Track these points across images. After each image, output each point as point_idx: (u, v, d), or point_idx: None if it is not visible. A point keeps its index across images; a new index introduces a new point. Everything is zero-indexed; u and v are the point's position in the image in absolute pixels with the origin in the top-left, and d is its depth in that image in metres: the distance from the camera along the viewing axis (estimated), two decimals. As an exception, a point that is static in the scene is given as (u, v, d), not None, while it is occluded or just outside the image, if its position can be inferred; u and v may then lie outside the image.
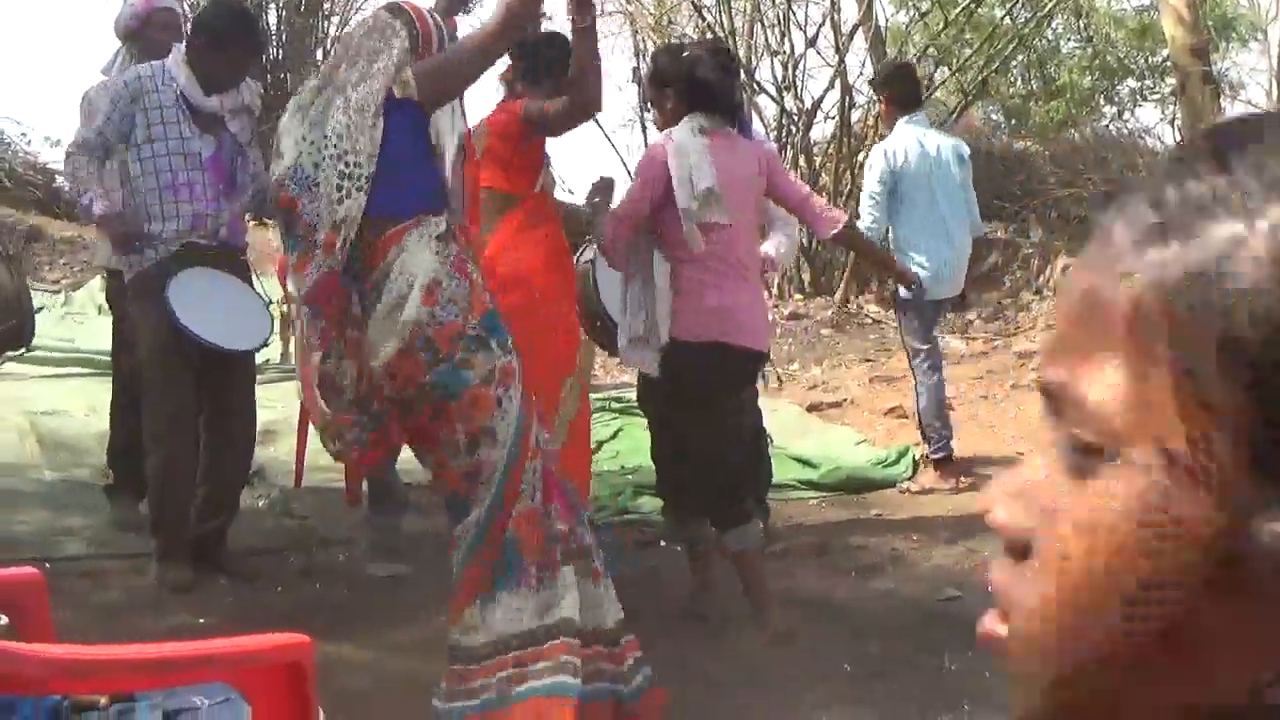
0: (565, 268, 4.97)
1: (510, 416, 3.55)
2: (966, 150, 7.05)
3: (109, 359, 6.26)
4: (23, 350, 4.27)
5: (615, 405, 8.22)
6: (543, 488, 3.62)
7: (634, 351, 4.87)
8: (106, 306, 6.26)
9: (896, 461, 7.23)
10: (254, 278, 5.57)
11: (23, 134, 15.50)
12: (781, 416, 7.90)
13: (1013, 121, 15.90)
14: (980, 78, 13.30)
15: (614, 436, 7.75)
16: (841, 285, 12.64)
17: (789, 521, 6.35)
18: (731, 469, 4.94)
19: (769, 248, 5.73)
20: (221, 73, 5.24)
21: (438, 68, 3.63)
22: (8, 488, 6.22)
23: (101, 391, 6.37)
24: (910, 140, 6.72)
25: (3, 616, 2.01)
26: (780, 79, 13.57)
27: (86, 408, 7.55)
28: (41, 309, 5.12)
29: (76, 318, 10.81)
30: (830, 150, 13.53)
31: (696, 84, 4.89)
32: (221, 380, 5.25)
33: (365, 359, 3.55)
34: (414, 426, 3.62)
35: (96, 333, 6.39)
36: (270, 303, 5.49)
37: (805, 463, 7.14)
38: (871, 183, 6.69)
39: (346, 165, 3.47)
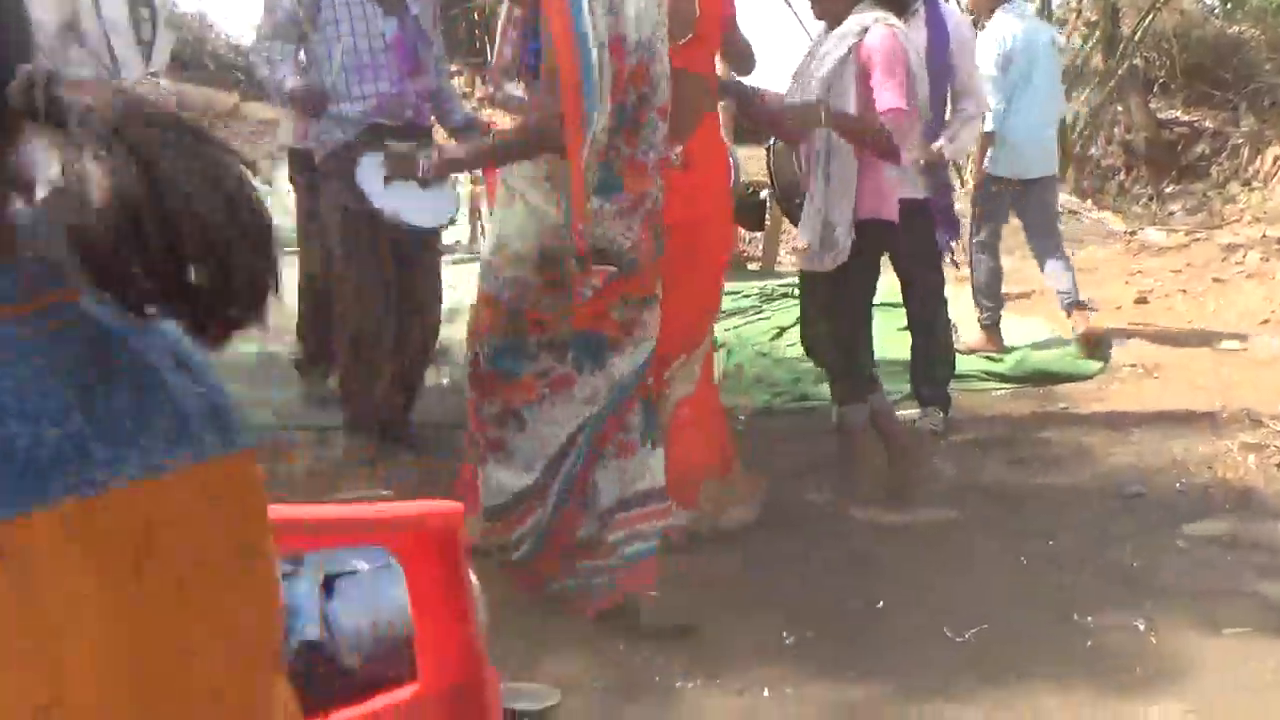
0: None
1: None
2: (1061, 39, 7.35)
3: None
4: None
5: (796, 292, 8.13)
6: None
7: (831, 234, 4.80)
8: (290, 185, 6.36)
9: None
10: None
11: (226, 17, 15.81)
12: (968, 307, 7.72)
13: (1227, 5, 15.09)
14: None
15: (795, 323, 7.67)
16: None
17: (972, 413, 6.23)
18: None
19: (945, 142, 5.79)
20: None
21: None
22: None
23: (295, 268, 6.52)
24: (1015, 27, 7.01)
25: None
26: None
27: (281, 284, 7.74)
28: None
29: (272, 196, 11.05)
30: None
31: None
32: (410, 260, 5.33)
33: None
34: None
35: (291, 211, 6.55)
36: (457, 181, 5.52)
37: (990, 356, 6.99)
38: (987, 67, 6.79)
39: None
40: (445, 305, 5.89)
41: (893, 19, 4.63)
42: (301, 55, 5.41)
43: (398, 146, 4.69)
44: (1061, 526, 4.69)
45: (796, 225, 5.32)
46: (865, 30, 4.55)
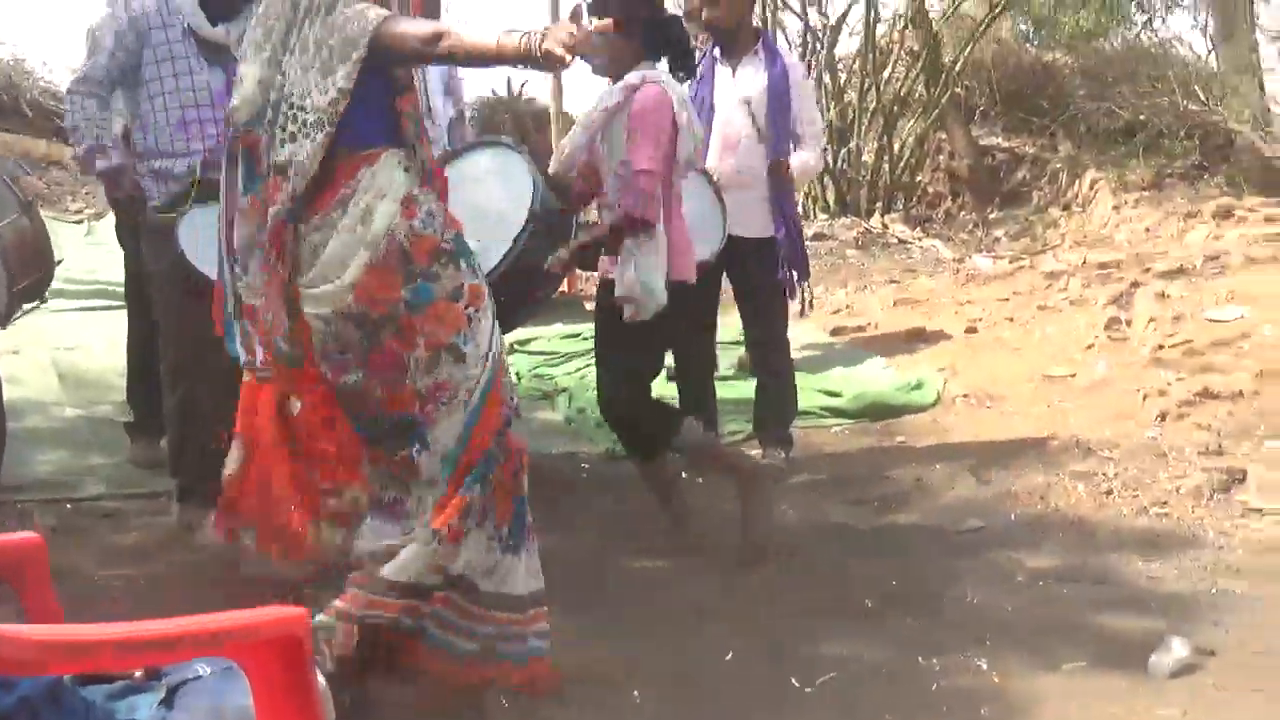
0: None
1: (480, 340, 3.46)
2: None
3: (128, 293, 6.22)
4: (38, 304, 4.21)
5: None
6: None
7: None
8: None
9: (919, 387, 7.17)
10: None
11: (43, 62, 15.35)
12: (807, 343, 7.85)
13: (1041, 32, 15.57)
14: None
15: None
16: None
17: (813, 451, 6.31)
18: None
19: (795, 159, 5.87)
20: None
21: (414, 40, 3.38)
22: (30, 426, 6.21)
23: (123, 325, 6.36)
24: None
25: None
26: (804, -7, 13.31)
27: (108, 342, 7.53)
28: (60, 261, 5.08)
29: (99, 248, 10.75)
30: (855, 66, 13.33)
31: (665, 28, 4.84)
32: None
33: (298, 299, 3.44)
34: (368, 359, 3.43)
35: (119, 264, 6.37)
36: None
37: (830, 392, 7.09)
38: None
39: (294, 109, 3.36)
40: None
41: (663, 76, 4.74)
42: (122, 104, 5.29)
43: None
44: (904, 567, 4.75)
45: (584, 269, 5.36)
46: (635, 88, 4.67)
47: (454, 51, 3.38)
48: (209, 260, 4.95)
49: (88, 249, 10.85)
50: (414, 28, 3.45)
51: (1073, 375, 7.14)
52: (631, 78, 4.69)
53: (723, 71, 5.92)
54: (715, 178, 5.63)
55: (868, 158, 12.92)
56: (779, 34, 12.97)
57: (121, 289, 6.29)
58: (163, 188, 5.13)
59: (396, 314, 3.38)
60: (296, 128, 3.35)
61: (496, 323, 3.57)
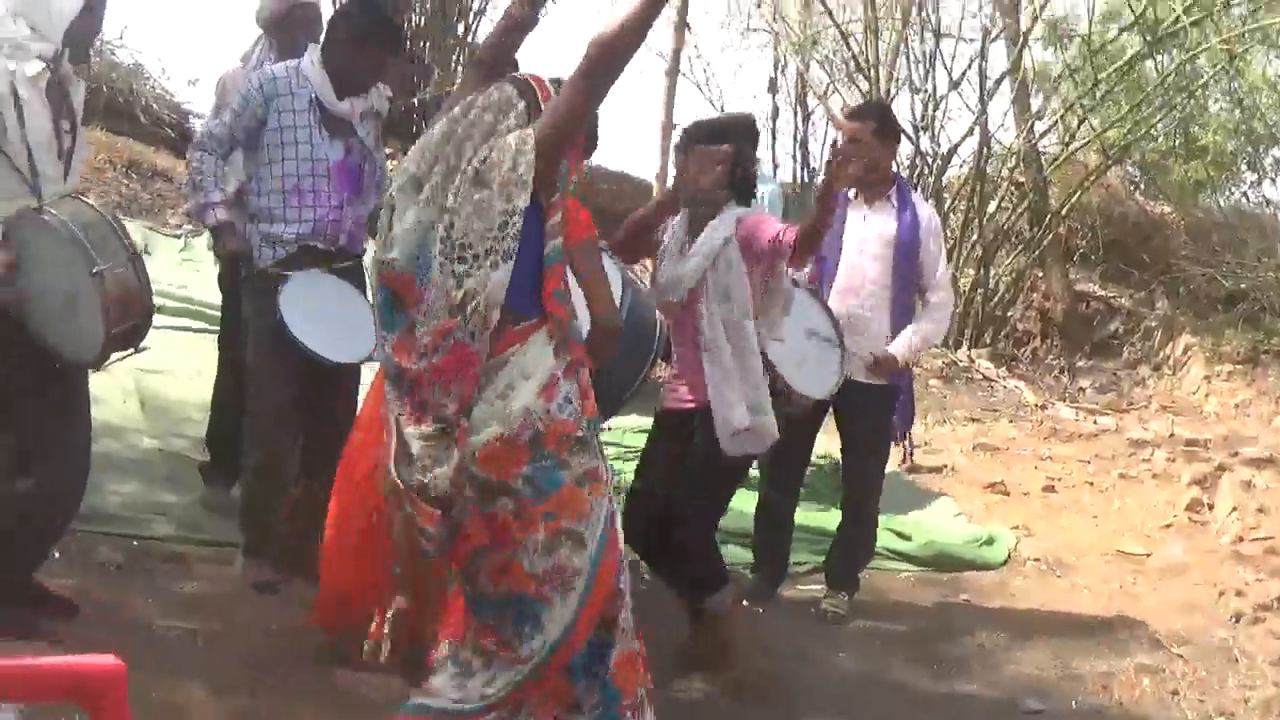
0: None
1: (597, 523, 3.43)
2: None
3: (219, 315, 6.24)
4: (132, 351, 4.23)
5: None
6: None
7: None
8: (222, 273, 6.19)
9: (990, 543, 7.06)
10: (370, 285, 5.52)
11: (163, 69, 15.50)
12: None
13: (1149, 175, 15.41)
14: (1124, 144, 12.84)
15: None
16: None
17: (877, 595, 6.21)
18: None
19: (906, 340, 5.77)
20: (358, 74, 5.20)
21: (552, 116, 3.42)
22: (106, 452, 6.17)
23: (209, 350, 6.36)
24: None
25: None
26: (918, 117, 13.28)
27: (193, 369, 7.55)
28: (160, 305, 5.16)
29: (193, 264, 10.82)
30: (960, 193, 13.25)
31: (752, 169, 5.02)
32: (324, 385, 5.21)
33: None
34: (485, 522, 3.40)
35: (212, 282, 6.38)
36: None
37: (900, 534, 6.99)
38: None
39: (461, 248, 3.34)
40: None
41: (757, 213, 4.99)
42: (239, 159, 5.35)
43: None
44: (961, 745, 4.65)
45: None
46: (739, 219, 4.83)
47: (601, 56, 3.36)
48: (304, 329, 5.01)
49: (181, 265, 10.94)
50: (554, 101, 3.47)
51: (1148, 555, 7.01)
52: (735, 213, 4.85)
53: (854, 214, 5.84)
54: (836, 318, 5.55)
55: (963, 288, 12.83)
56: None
57: (210, 311, 6.33)
58: (270, 252, 5.18)
59: (514, 489, 3.35)
60: (467, 265, 3.32)
61: (611, 503, 3.53)
